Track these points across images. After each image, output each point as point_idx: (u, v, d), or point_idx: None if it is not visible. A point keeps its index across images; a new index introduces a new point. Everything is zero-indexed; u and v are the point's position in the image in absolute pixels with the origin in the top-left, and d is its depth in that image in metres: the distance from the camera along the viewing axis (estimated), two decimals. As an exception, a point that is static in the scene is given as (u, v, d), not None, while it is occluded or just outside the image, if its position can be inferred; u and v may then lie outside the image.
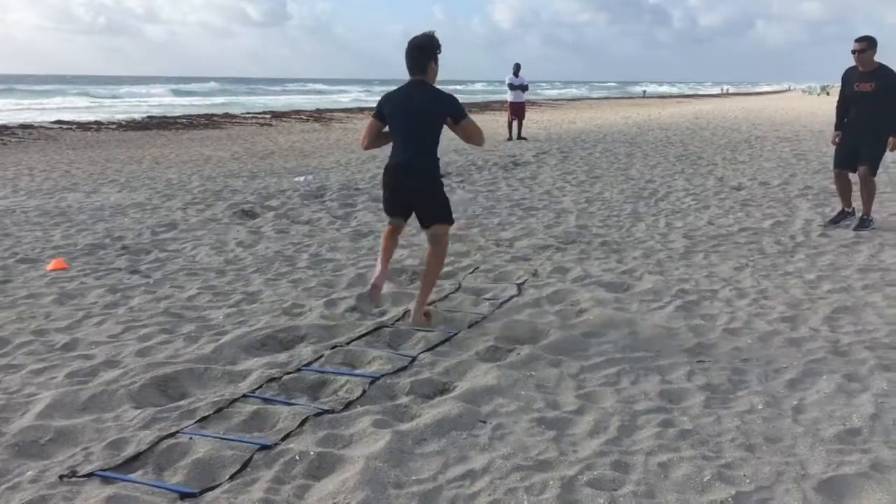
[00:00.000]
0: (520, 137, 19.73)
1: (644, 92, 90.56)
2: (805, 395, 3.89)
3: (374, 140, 5.21)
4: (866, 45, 7.68)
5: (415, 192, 5.00)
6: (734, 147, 17.49)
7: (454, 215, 5.22)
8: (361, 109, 42.10)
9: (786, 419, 3.61)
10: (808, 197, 10.15)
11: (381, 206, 9.59)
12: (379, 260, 5.08)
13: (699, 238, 7.68)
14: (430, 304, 5.30)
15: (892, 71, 7.82)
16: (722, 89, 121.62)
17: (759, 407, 3.73)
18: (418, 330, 4.90)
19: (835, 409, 3.71)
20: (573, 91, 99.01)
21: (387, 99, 5.03)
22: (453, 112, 4.89)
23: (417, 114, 4.86)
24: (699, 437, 3.44)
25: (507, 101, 20.67)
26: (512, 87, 19.90)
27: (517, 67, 19.87)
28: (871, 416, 3.61)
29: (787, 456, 3.26)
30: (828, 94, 78.14)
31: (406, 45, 4.85)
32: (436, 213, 5.02)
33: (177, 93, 68.18)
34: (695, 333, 4.82)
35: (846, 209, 8.34)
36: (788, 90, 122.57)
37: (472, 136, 5.01)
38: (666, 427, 3.53)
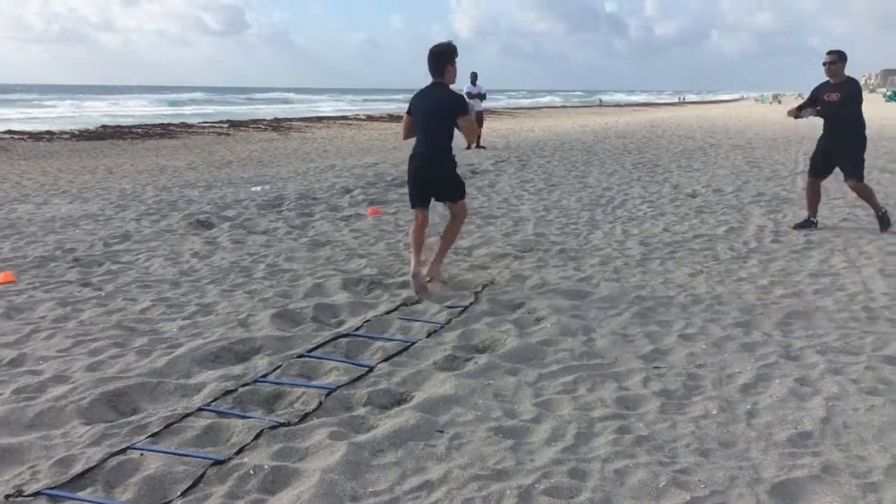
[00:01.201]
0: (478, 146, 19.80)
1: (600, 101, 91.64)
2: (758, 399, 3.94)
3: (410, 132, 6.16)
4: (836, 57, 8.00)
5: (435, 178, 6.06)
6: (689, 155, 17.75)
7: None
8: (320, 119, 41.96)
9: (739, 424, 3.65)
10: (760, 203, 10.33)
11: (337, 215, 9.60)
12: (413, 256, 6.08)
13: (655, 245, 7.77)
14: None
15: (856, 83, 8.21)
16: (680, 98, 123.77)
17: (714, 412, 3.78)
18: (375, 339, 4.88)
19: (787, 412, 3.76)
20: (537, 100, 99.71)
21: (414, 98, 6.08)
22: (458, 109, 5.90)
23: (433, 111, 5.89)
24: (655, 443, 3.46)
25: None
26: (470, 95, 19.96)
27: (474, 76, 19.94)
28: (822, 419, 3.67)
29: (741, 460, 3.29)
30: (779, 102, 79.85)
31: (427, 53, 5.86)
32: (453, 193, 6.18)
33: (172, 103, 67.76)
34: (651, 340, 4.86)
35: (812, 219, 8.54)
36: (741, 99, 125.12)
37: (468, 133, 6.31)
38: (622, 434, 3.55)
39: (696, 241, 7.96)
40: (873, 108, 43.76)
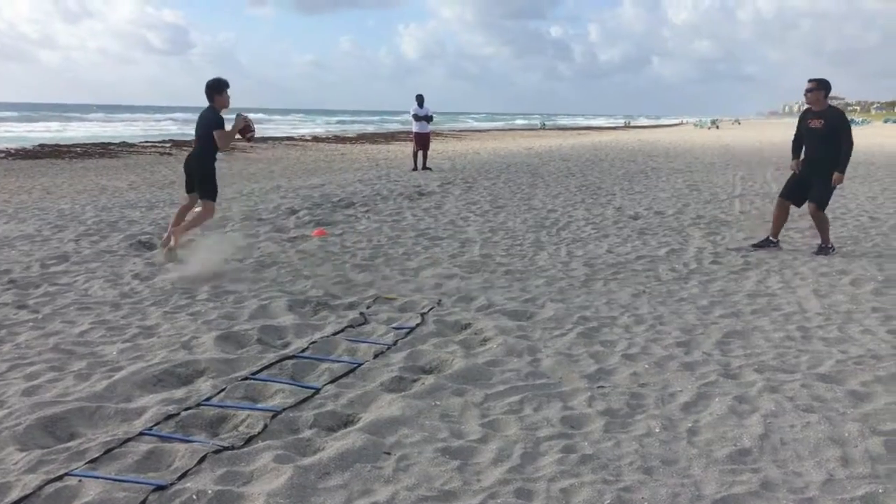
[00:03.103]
0: (425, 167, 19.88)
1: (543, 124, 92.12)
2: (699, 417, 4.02)
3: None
4: (815, 85, 8.20)
5: (191, 173, 8.09)
6: (631, 178, 18.10)
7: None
8: (265, 139, 41.61)
9: (681, 441, 3.73)
10: (700, 226, 10.59)
11: (283, 236, 9.55)
12: (171, 225, 8.13)
13: (599, 266, 7.89)
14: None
15: (840, 112, 8.40)
16: (625, 122, 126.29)
17: (657, 430, 3.84)
18: (321, 360, 4.85)
19: (727, 430, 3.85)
20: (508, 122, 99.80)
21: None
22: (211, 124, 7.76)
23: (198, 125, 7.92)
24: (600, 461, 3.51)
25: (412, 132, 20.78)
26: (417, 118, 20.04)
27: (421, 99, 20.04)
28: (761, 436, 3.77)
29: (683, 477, 3.36)
30: (717, 127, 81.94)
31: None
32: (202, 191, 7.99)
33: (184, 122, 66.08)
34: (595, 359, 4.93)
35: (771, 238, 8.79)
36: (682, 124, 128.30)
37: (222, 143, 7.83)
38: (568, 453, 3.59)
39: (638, 262, 8.12)
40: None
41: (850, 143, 8.16)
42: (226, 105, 7.81)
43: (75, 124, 60.33)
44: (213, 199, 8.00)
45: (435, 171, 19.70)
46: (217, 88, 7.75)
